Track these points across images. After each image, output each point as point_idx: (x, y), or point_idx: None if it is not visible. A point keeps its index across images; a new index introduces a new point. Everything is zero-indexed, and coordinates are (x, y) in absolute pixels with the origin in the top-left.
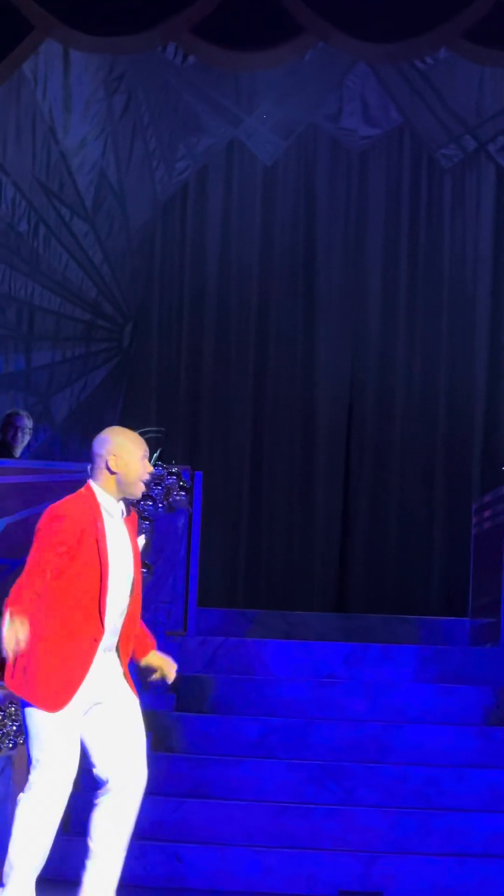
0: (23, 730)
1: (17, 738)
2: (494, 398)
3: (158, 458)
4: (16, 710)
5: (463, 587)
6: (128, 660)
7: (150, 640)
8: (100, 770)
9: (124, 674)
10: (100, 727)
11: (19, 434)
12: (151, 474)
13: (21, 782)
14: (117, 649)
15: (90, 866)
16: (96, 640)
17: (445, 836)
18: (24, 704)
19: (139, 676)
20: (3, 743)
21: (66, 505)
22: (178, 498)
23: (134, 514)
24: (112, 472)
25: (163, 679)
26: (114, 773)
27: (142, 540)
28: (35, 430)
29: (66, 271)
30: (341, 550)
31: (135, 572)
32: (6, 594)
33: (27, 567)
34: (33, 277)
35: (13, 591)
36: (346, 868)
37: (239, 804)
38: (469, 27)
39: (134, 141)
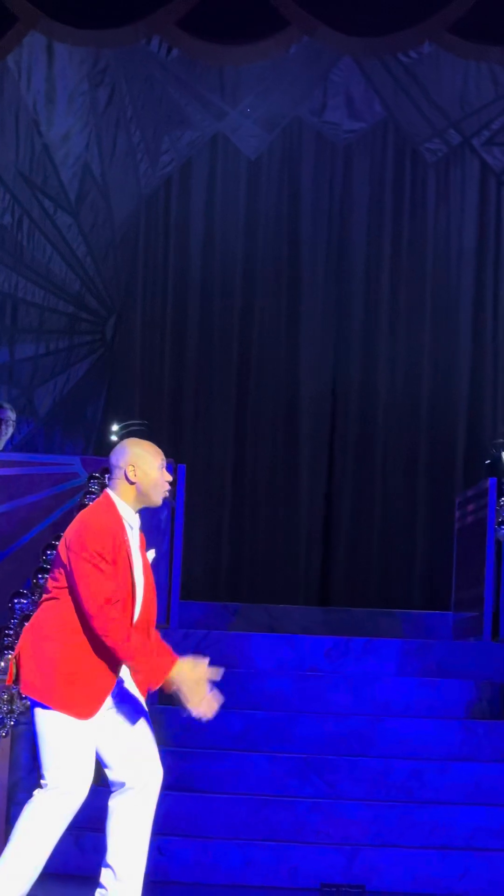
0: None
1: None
2: (477, 392)
3: None
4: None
5: (446, 581)
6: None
7: (171, 655)
8: (116, 772)
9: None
10: (111, 730)
11: (2, 427)
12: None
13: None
14: None
15: (116, 865)
16: None
17: (428, 830)
18: (42, 709)
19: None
20: None
21: (98, 519)
22: None
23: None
24: (131, 483)
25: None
26: (132, 773)
27: (151, 553)
28: (18, 422)
29: (50, 264)
30: (325, 544)
31: (147, 581)
32: None
33: (84, 594)
34: (17, 270)
35: (100, 621)
36: (329, 861)
37: (222, 797)
38: (453, 21)
39: (118, 134)
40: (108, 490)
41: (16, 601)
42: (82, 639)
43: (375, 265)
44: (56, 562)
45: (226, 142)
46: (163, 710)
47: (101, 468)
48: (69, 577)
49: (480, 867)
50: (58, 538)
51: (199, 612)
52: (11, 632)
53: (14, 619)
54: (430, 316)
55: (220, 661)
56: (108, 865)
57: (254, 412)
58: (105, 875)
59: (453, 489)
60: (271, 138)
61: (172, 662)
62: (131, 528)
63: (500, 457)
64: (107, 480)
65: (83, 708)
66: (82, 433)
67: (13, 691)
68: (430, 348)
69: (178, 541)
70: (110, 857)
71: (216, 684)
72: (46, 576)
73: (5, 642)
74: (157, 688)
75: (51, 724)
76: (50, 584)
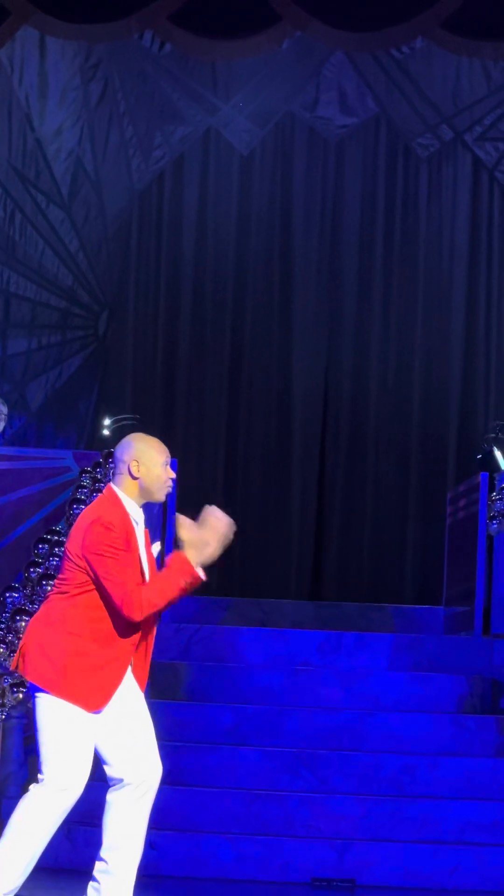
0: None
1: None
2: (469, 388)
3: None
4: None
5: (437, 576)
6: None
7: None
8: (115, 769)
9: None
10: (111, 726)
11: None
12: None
13: None
14: None
15: (110, 860)
16: (133, 644)
17: (419, 824)
18: (48, 699)
19: None
20: None
21: (107, 513)
22: None
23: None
24: (134, 478)
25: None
26: (131, 770)
27: (156, 547)
28: (10, 417)
29: (42, 259)
30: (316, 539)
31: (152, 575)
32: None
33: (113, 590)
34: (9, 265)
35: (131, 607)
36: (320, 855)
37: (213, 791)
38: (446, 17)
39: (110, 129)
40: (111, 485)
41: (7, 595)
42: (93, 630)
43: (368, 259)
44: (65, 556)
45: (218, 137)
46: (153, 705)
47: (92, 462)
48: (94, 579)
49: (471, 862)
50: (50, 532)
51: (190, 607)
52: (3, 625)
53: (6, 612)
54: (423, 310)
55: (211, 656)
56: (102, 859)
57: (246, 407)
58: (99, 868)
59: (445, 484)
60: (264, 133)
61: (177, 560)
62: (136, 523)
63: (492, 452)
64: (109, 474)
65: (93, 699)
66: (74, 428)
67: (4, 685)
68: (422, 343)
69: (170, 535)
70: (105, 851)
71: (205, 680)
72: (38, 570)
73: None
74: (201, 579)
75: (56, 715)
76: (59, 578)
